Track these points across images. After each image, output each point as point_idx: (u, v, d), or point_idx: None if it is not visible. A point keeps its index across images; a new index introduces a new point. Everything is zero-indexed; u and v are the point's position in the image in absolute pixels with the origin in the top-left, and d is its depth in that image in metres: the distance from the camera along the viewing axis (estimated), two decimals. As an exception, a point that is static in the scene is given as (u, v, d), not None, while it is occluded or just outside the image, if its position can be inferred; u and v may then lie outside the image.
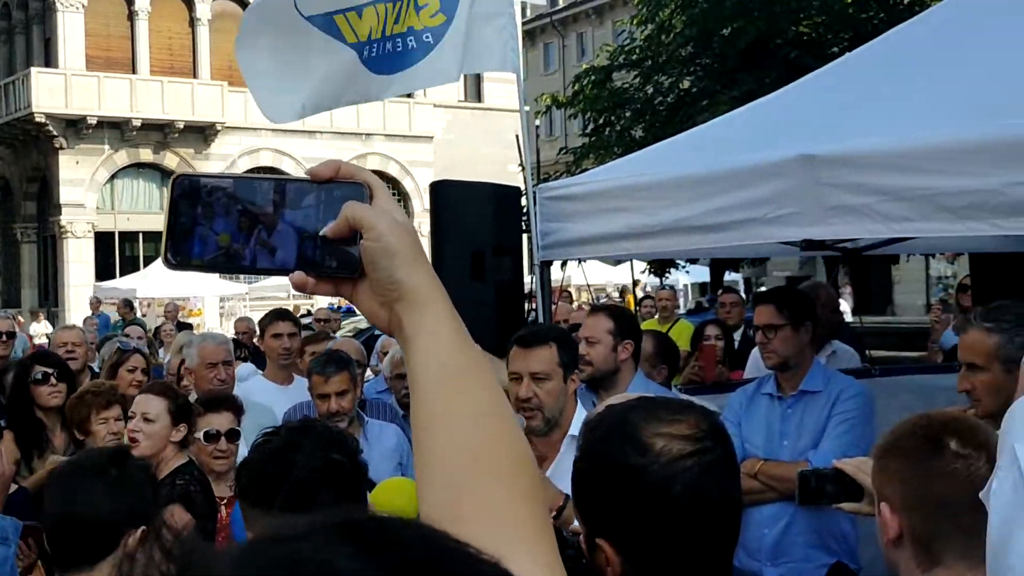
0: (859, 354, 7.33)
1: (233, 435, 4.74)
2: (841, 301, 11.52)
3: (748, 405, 4.84)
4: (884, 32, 5.73)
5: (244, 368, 7.24)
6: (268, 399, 6.07)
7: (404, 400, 6.45)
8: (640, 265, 21.13)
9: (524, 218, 6.10)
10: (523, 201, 6.13)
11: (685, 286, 33.40)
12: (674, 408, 1.80)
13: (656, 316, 11.92)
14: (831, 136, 4.28)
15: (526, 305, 6.14)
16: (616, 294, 31.25)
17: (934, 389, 5.87)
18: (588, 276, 29.56)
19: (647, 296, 14.91)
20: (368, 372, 7.68)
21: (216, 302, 32.62)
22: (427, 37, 6.03)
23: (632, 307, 14.86)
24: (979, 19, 4.77)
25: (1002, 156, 3.50)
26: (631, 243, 5.19)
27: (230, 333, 11.69)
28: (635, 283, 18.25)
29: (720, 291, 13.63)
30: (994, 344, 3.21)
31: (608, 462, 1.74)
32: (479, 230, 5.63)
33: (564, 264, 9.42)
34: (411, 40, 6.02)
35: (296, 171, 38.61)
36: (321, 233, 1.18)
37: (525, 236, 5.98)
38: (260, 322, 6.97)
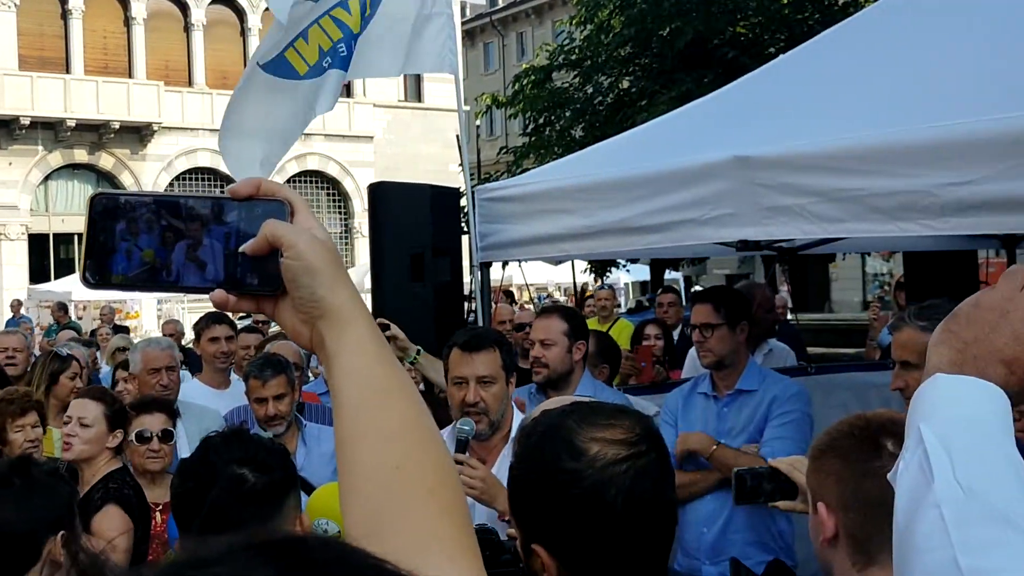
0: (797, 351, 7.41)
1: (167, 435, 4.69)
2: (779, 298, 11.64)
3: (684, 404, 4.88)
4: (819, 33, 5.80)
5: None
6: (205, 404, 6.00)
7: None
8: (581, 264, 21.20)
9: (464, 219, 6.10)
10: (463, 202, 6.13)
11: (626, 285, 33.57)
12: (608, 413, 1.81)
13: (596, 316, 11.94)
14: (766, 138, 4.33)
15: (466, 306, 6.14)
16: (559, 293, 31.36)
17: (870, 386, 5.96)
18: (530, 276, 29.59)
19: (589, 296, 14.96)
20: (309, 374, 7.63)
21: (154, 304, 32.23)
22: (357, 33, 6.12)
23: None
24: (910, 21, 4.84)
25: (930, 157, 3.56)
26: (569, 244, 5.21)
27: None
28: (583, 287, 18.25)
29: (659, 291, 13.70)
30: (926, 342, 3.25)
31: (543, 467, 1.74)
32: (417, 231, 5.63)
33: (505, 264, 9.40)
34: (350, 42, 6.07)
35: (235, 171, 38.26)
36: (240, 250, 1.17)
37: (465, 237, 5.98)
38: (195, 326, 6.86)
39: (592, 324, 11.65)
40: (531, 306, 17.29)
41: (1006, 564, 1.10)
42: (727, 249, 6.20)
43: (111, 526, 3.90)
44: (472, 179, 5.94)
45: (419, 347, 5.03)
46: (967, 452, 1.18)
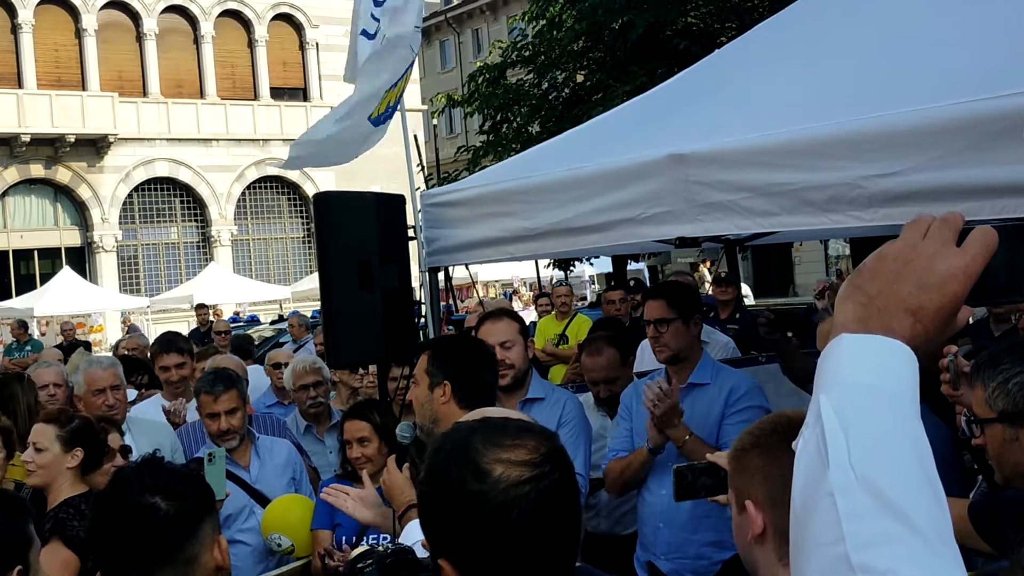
0: (756, 339, 7.44)
1: (126, 451, 4.64)
2: (744, 286, 11.70)
3: (639, 399, 4.89)
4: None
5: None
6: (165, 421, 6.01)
7: (309, 411, 6.40)
8: (544, 260, 21.22)
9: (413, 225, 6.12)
10: (410, 208, 6.14)
11: (591, 277, 33.63)
12: (513, 432, 1.83)
13: (553, 312, 11.97)
14: (699, 135, 4.35)
15: (416, 312, 6.15)
16: (524, 288, 31.37)
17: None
18: (494, 271, 29.44)
19: (543, 294, 14.95)
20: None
21: (117, 317, 32.00)
22: None
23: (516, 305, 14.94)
24: (840, 13, 4.88)
25: (857, 150, 3.60)
26: (513, 246, 5.24)
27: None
28: (541, 288, 18.23)
29: (605, 289, 13.74)
30: None
31: (448, 487, 1.77)
32: (364, 239, 5.63)
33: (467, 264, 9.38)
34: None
35: (194, 180, 38.09)
36: None
37: (413, 243, 5.99)
38: (151, 349, 6.83)
39: (550, 321, 11.73)
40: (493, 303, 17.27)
41: (898, 563, 1.07)
42: (679, 248, 6.23)
43: (48, 562, 3.80)
44: (432, 179, 5.94)
45: None
46: (865, 430, 1.14)
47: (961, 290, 1.21)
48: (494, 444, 1.78)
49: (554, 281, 25.53)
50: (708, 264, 19.44)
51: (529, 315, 15.24)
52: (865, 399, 1.16)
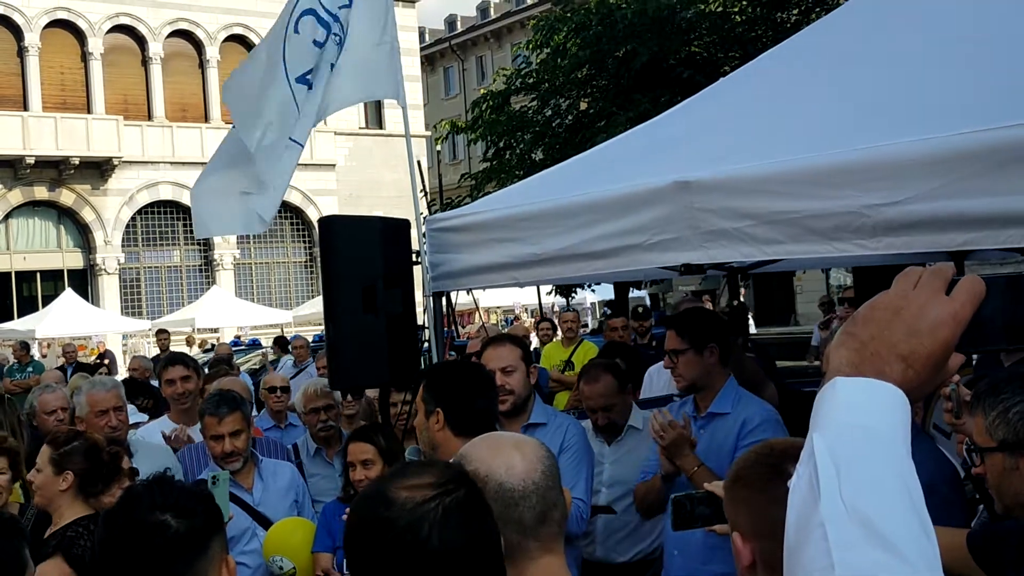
0: (765, 365, 7.42)
1: (134, 473, 4.63)
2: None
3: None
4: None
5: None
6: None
7: (319, 434, 6.40)
8: (546, 286, 21.24)
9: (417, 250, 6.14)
10: (414, 232, 6.17)
11: (592, 304, 33.66)
12: (420, 466, 1.96)
13: (560, 338, 11.97)
14: (704, 162, 4.38)
15: (420, 335, 6.17)
16: (526, 315, 31.39)
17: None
18: (495, 298, 29.42)
19: (544, 319, 14.95)
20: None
21: (119, 340, 32.01)
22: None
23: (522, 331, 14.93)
24: (845, 43, 4.92)
25: (862, 179, 3.62)
26: (518, 272, 5.25)
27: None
28: (544, 314, 18.21)
29: (607, 315, 13.74)
30: None
31: (361, 519, 1.84)
32: (369, 263, 5.65)
33: (469, 290, 9.36)
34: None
35: (197, 203, 38.04)
36: None
37: (417, 267, 6.01)
38: (158, 370, 6.85)
39: (556, 347, 11.73)
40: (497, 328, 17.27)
41: None
42: (684, 275, 6.25)
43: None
44: (435, 205, 5.97)
45: None
46: (856, 467, 1.17)
47: (951, 336, 1.25)
48: (400, 476, 1.88)
49: (555, 308, 25.55)
50: (708, 299, 19.50)
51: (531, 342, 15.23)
52: (856, 438, 1.20)
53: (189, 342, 22.49)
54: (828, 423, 1.22)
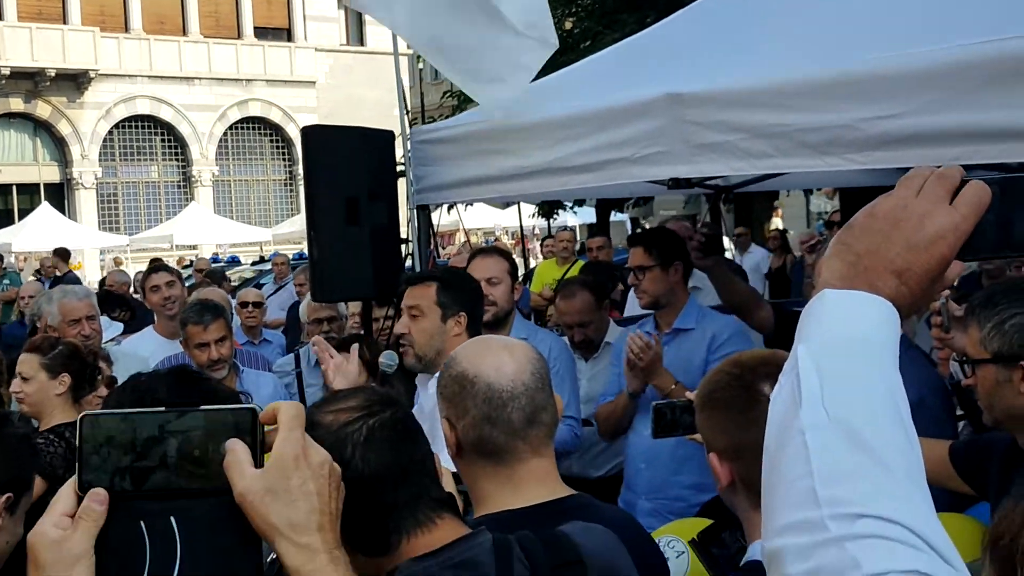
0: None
1: (112, 382, 4.62)
2: (724, 239, 11.71)
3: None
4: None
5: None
6: (159, 353, 5.94)
7: None
8: (528, 208, 21.17)
9: (402, 163, 6.07)
10: (399, 145, 6.10)
11: (573, 227, 33.60)
12: (348, 394, 1.92)
13: (554, 258, 11.96)
14: (697, 75, 4.33)
15: (403, 248, 6.12)
16: (506, 237, 31.34)
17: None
18: (477, 219, 29.32)
19: (549, 235, 14.93)
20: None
21: (96, 255, 31.82)
22: None
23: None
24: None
25: (855, 92, 3.59)
26: (503, 185, 5.21)
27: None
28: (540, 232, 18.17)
29: (588, 236, 13.74)
30: None
31: None
32: (353, 175, 5.58)
33: (451, 207, 9.28)
34: None
35: (175, 119, 37.74)
36: None
37: (401, 180, 5.95)
38: (140, 280, 6.79)
39: (550, 266, 11.72)
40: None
41: (863, 494, 1.05)
42: (673, 190, 6.21)
43: None
44: (416, 123, 5.87)
45: None
46: (840, 375, 1.13)
47: (949, 251, 1.20)
48: (328, 403, 1.88)
49: (536, 230, 25.49)
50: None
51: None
52: (842, 349, 1.16)
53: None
54: (813, 334, 1.18)
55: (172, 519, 1.24)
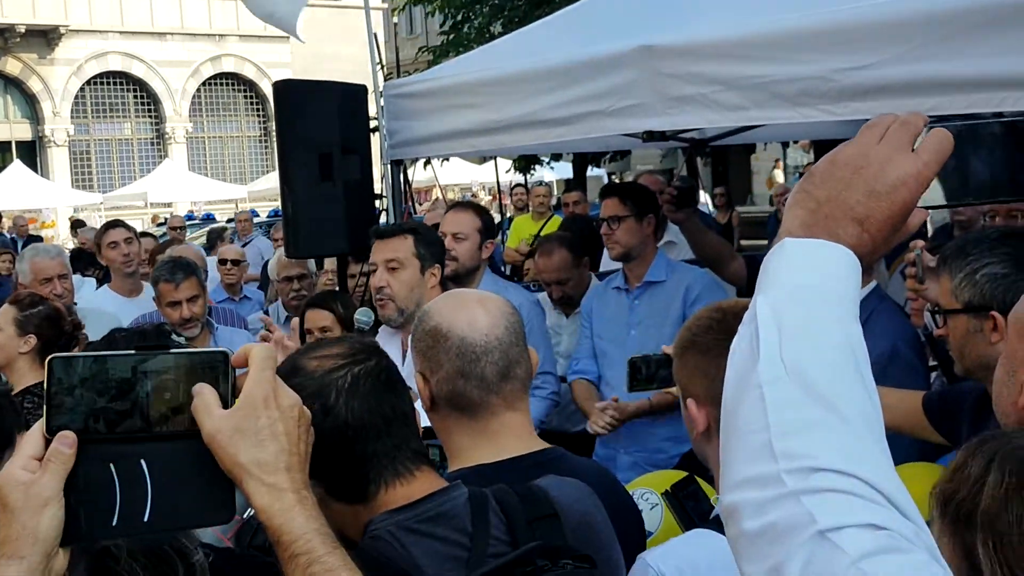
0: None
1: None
2: (701, 193, 11.70)
3: (598, 302, 4.94)
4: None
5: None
6: (117, 312, 5.90)
7: (291, 302, 6.34)
8: (505, 163, 21.09)
9: (376, 118, 6.03)
10: (373, 99, 6.05)
11: (550, 182, 33.50)
12: (333, 342, 1.93)
13: (530, 213, 11.94)
14: (670, 27, 4.31)
15: (377, 204, 6.09)
16: (483, 193, 31.27)
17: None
18: (453, 175, 29.20)
19: (519, 185, 14.89)
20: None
21: (69, 212, 31.56)
22: None
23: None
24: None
25: (829, 42, 3.58)
26: (477, 139, 5.19)
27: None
28: (516, 186, 18.10)
29: (564, 191, 13.72)
30: None
31: None
32: (326, 130, 5.55)
33: (427, 163, 9.21)
34: None
35: (147, 75, 37.33)
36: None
37: (376, 135, 5.91)
38: (95, 238, 6.70)
39: (525, 220, 11.69)
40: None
41: (819, 448, 1.04)
42: (651, 144, 6.21)
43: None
44: (391, 78, 5.83)
45: None
46: (798, 326, 1.12)
47: (911, 197, 1.18)
48: (312, 350, 1.90)
49: (512, 185, 25.38)
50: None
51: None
52: (801, 298, 1.14)
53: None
54: (772, 283, 1.17)
55: (142, 461, 1.25)
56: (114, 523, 1.23)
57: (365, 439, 1.78)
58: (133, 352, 1.27)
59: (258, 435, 1.29)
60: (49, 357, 1.25)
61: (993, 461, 1.32)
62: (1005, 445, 1.31)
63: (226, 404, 1.28)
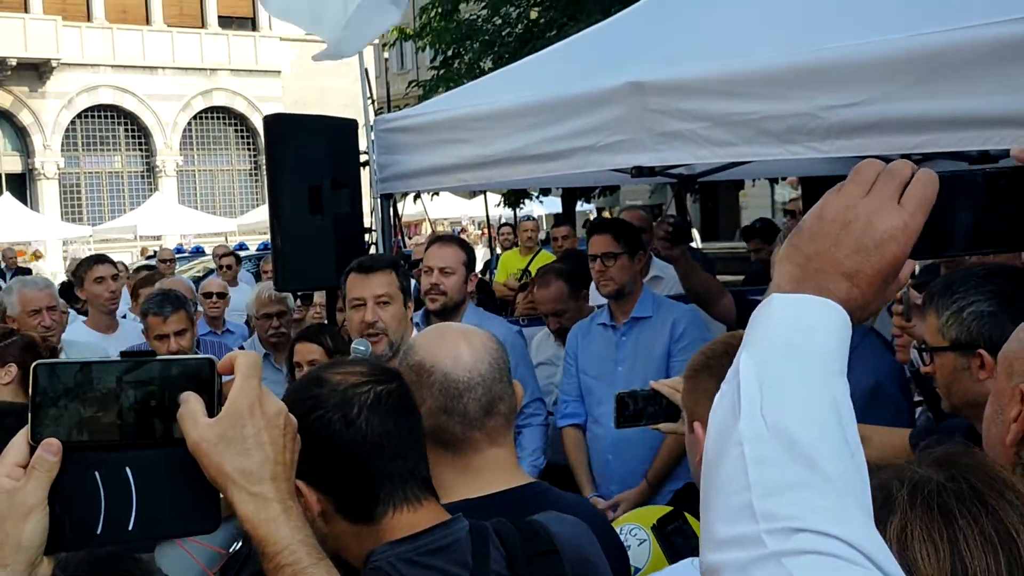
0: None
1: None
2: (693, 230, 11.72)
3: (584, 339, 4.95)
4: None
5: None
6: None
7: (269, 339, 6.31)
8: (495, 197, 21.13)
9: (366, 152, 6.04)
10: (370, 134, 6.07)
11: (539, 217, 33.57)
12: (354, 361, 2.02)
13: (518, 248, 11.97)
14: (659, 63, 4.33)
15: (366, 238, 6.09)
16: (472, 227, 31.31)
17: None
18: (443, 209, 29.27)
19: (506, 223, 14.91)
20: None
21: (59, 245, 31.53)
22: None
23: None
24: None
25: (816, 80, 3.60)
26: (467, 174, 5.20)
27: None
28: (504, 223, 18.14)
29: (553, 225, 13.77)
30: None
31: (294, 397, 1.83)
32: (316, 163, 5.56)
33: (416, 197, 9.22)
34: None
35: (138, 109, 37.39)
36: None
37: (366, 169, 5.92)
38: (76, 271, 6.64)
39: (514, 256, 11.71)
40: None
41: (800, 508, 1.02)
42: (640, 179, 6.22)
43: None
44: (382, 112, 5.86)
45: None
46: (781, 383, 1.10)
47: (900, 251, 1.17)
48: (335, 366, 1.92)
49: (502, 220, 25.45)
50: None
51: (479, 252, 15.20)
52: (784, 355, 1.13)
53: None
54: (758, 339, 1.16)
55: (127, 469, 1.24)
56: (99, 531, 1.23)
57: (381, 457, 1.79)
58: (119, 360, 1.27)
59: (243, 444, 1.28)
60: (34, 364, 1.24)
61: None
62: (882, 475, 1.29)
63: (212, 412, 1.27)
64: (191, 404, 1.26)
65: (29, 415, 1.23)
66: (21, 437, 1.23)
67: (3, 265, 19.15)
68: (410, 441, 1.84)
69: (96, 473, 1.23)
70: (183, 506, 1.27)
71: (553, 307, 5.50)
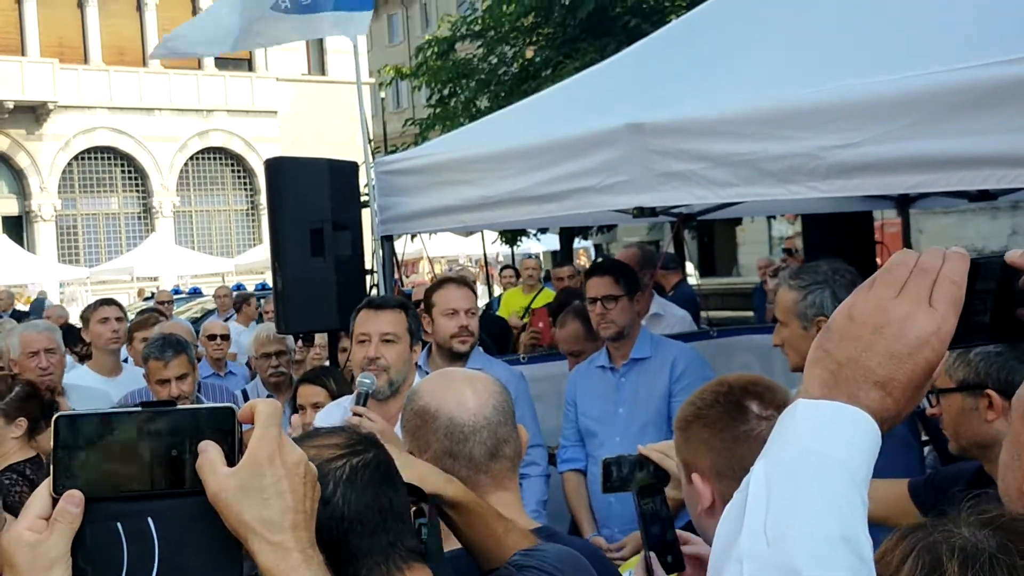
0: (693, 315, 7.50)
1: None
2: (688, 264, 11.74)
3: (583, 381, 4.96)
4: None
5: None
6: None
7: (270, 379, 6.32)
8: (492, 235, 21.18)
9: (366, 193, 6.08)
10: (363, 175, 6.10)
11: (537, 255, 33.62)
12: (331, 431, 1.90)
13: (520, 286, 11.98)
14: (659, 104, 4.36)
15: (367, 279, 6.11)
16: (470, 265, 31.33)
17: (769, 347, 6.06)
18: (440, 247, 29.29)
19: (507, 266, 14.94)
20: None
21: (56, 287, 31.50)
22: None
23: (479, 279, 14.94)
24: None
25: (816, 120, 3.62)
26: (468, 215, 5.22)
27: (73, 319, 11.31)
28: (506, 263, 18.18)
29: (553, 266, 13.79)
30: (792, 301, 3.41)
31: None
32: (317, 206, 5.59)
33: (414, 236, 9.22)
34: None
35: (135, 150, 37.49)
36: None
37: (366, 210, 5.95)
38: (83, 313, 6.68)
39: (516, 294, 11.72)
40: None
41: None
42: (637, 217, 6.25)
43: None
44: (379, 152, 5.89)
45: None
46: (789, 495, 1.08)
47: (934, 357, 1.14)
48: (309, 437, 1.86)
49: (499, 258, 25.50)
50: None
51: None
52: (799, 464, 1.11)
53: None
54: (777, 447, 1.14)
55: (149, 520, 1.23)
56: None
57: (360, 533, 1.74)
58: (139, 409, 1.26)
59: (263, 493, 1.27)
60: (56, 416, 1.24)
61: (912, 552, 1.29)
62: (928, 536, 1.27)
63: (232, 461, 1.26)
64: (210, 453, 1.25)
65: (51, 467, 1.23)
66: (43, 489, 1.23)
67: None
68: (390, 512, 1.78)
69: (118, 524, 1.23)
70: (205, 556, 1.26)
71: (569, 347, 5.63)
